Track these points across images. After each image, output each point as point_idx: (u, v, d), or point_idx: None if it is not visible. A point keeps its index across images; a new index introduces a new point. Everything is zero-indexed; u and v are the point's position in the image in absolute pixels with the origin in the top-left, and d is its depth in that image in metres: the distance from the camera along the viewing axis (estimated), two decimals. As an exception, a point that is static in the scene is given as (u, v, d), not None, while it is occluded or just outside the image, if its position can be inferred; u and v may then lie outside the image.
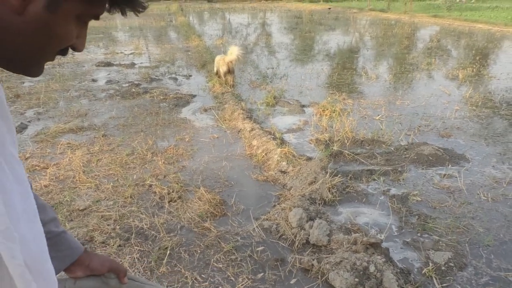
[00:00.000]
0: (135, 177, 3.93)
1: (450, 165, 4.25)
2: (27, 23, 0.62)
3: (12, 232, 0.62)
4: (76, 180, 3.83)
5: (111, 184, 3.76)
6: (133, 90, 7.24)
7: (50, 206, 1.03)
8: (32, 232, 0.68)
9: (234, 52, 7.02)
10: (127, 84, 7.72)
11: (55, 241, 1.00)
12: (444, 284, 2.58)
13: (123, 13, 0.72)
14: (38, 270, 0.68)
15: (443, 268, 2.71)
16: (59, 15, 0.65)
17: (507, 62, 10.01)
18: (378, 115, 5.86)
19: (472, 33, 16.21)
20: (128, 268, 2.66)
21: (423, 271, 2.68)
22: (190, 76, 8.66)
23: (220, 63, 7.26)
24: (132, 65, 9.74)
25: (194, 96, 7.02)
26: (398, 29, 17.61)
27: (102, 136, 4.97)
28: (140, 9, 0.73)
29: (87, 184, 3.75)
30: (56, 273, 0.75)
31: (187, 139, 4.95)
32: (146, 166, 4.18)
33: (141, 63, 10.09)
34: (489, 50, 11.88)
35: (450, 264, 2.75)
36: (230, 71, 7.25)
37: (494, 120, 5.70)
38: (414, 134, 5.11)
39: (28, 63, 0.69)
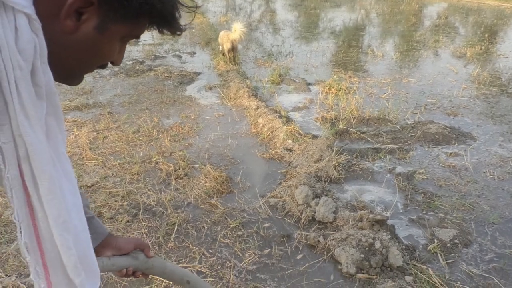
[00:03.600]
0: (141, 154, 3.95)
1: (456, 144, 4.24)
2: (77, 41, 0.68)
3: (69, 224, 0.69)
4: (83, 157, 3.85)
5: (118, 161, 3.78)
6: (137, 67, 7.20)
7: (84, 193, 1.09)
8: (81, 224, 0.74)
9: (237, 30, 6.93)
10: (131, 62, 7.66)
11: None
12: (449, 261, 2.61)
13: (161, 32, 0.77)
14: (85, 260, 0.74)
15: (448, 245, 2.74)
16: (106, 35, 0.70)
17: (516, 39, 9.83)
18: (384, 93, 5.81)
19: (481, 9, 15.87)
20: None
21: (428, 248, 2.71)
22: (194, 53, 8.58)
23: (224, 40, 7.17)
24: (136, 42, 9.64)
25: (199, 74, 6.97)
26: (405, 5, 17.26)
27: (108, 114, 4.97)
28: (178, 32, 0.78)
29: (94, 161, 3.77)
30: None
31: (192, 117, 4.94)
32: (152, 143, 4.20)
33: (145, 40, 9.98)
34: (498, 28, 11.65)
35: (455, 241, 2.77)
36: (234, 48, 7.19)
37: (502, 99, 5.64)
38: (420, 113, 5.08)
39: (71, 75, 0.76)
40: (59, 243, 0.69)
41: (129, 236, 2.79)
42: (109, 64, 0.80)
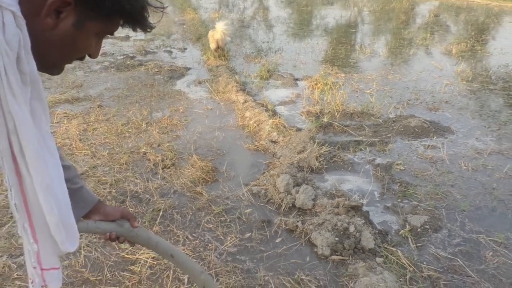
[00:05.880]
0: (130, 145, 4.07)
1: (435, 137, 4.40)
2: (57, 36, 0.81)
3: (52, 189, 0.81)
4: (73, 147, 3.96)
5: (107, 151, 3.90)
6: (128, 62, 7.29)
7: (73, 165, 1.23)
8: (62, 192, 0.87)
9: (218, 29, 7.11)
10: (122, 57, 7.75)
11: (73, 195, 1.16)
12: (419, 244, 2.77)
13: (134, 30, 0.91)
14: (65, 222, 0.88)
15: (419, 230, 2.89)
16: (83, 31, 0.84)
17: (502, 37, 10.04)
18: (370, 89, 5.97)
19: (471, 8, 16.08)
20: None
21: (400, 232, 2.87)
22: (185, 49, 8.68)
23: (210, 40, 7.38)
24: (127, 37, 9.71)
25: (189, 69, 7.08)
26: (396, 3, 17.43)
27: (98, 107, 5.07)
28: (148, 29, 0.92)
29: (83, 151, 3.88)
30: (76, 220, 0.94)
31: (181, 110, 5.06)
32: (141, 135, 4.31)
33: (136, 35, 10.03)
34: (486, 26, 11.86)
35: (426, 226, 2.93)
36: (219, 47, 7.36)
37: (482, 95, 5.82)
38: (403, 107, 5.24)
39: (52, 65, 0.88)
40: (43, 204, 0.82)
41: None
42: (97, 58, 0.93)
